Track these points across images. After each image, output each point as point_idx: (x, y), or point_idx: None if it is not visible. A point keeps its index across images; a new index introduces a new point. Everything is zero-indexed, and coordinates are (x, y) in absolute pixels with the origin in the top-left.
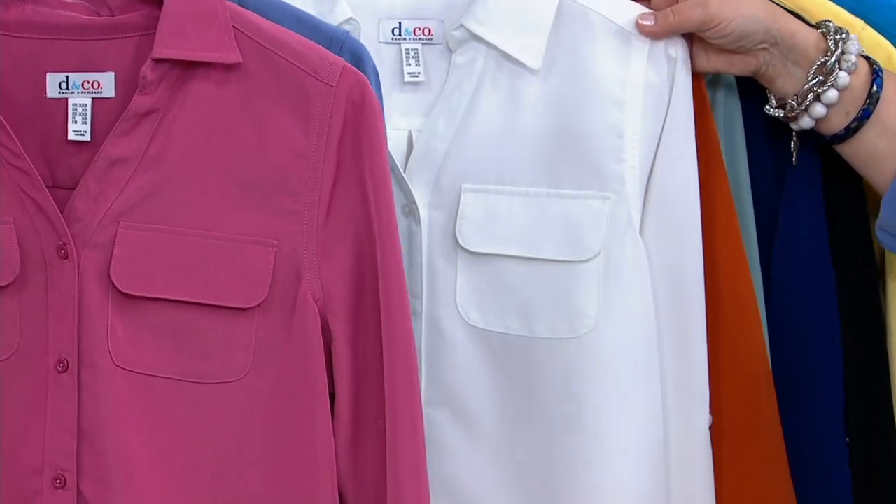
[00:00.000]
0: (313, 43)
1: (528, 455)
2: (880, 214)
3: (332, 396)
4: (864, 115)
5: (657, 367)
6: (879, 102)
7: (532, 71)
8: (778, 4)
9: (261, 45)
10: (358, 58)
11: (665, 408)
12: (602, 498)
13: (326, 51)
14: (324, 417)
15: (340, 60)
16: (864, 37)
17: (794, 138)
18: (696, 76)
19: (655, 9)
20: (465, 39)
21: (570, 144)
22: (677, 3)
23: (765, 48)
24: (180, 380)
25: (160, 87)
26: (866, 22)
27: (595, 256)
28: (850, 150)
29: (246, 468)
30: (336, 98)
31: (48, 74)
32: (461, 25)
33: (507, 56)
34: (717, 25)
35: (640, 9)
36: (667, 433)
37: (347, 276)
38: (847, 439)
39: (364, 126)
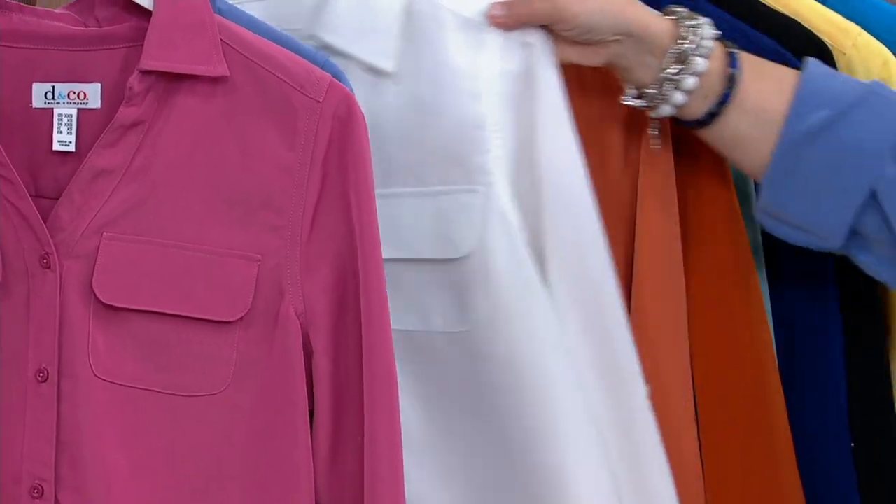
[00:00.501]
0: (300, 58)
1: (465, 459)
2: (760, 197)
3: (311, 412)
4: (724, 99)
5: (564, 352)
6: (737, 85)
7: (387, 74)
8: (771, 8)
9: (248, 58)
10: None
11: (594, 391)
12: (542, 485)
13: (313, 66)
14: (304, 432)
15: (327, 76)
16: (859, 42)
17: (652, 126)
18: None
19: None
20: (319, 49)
21: (433, 142)
22: None
23: (618, 40)
24: (161, 392)
25: (147, 98)
26: (862, 27)
27: (472, 252)
28: (714, 136)
29: (226, 482)
30: (322, 113)
31: (34, 84)
32: (312, 35)
33: (360, 62)
34: (564, 18)
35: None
36: (603, 415)
37: (330, 291)
38: (852, 444)
39: (349, 142)
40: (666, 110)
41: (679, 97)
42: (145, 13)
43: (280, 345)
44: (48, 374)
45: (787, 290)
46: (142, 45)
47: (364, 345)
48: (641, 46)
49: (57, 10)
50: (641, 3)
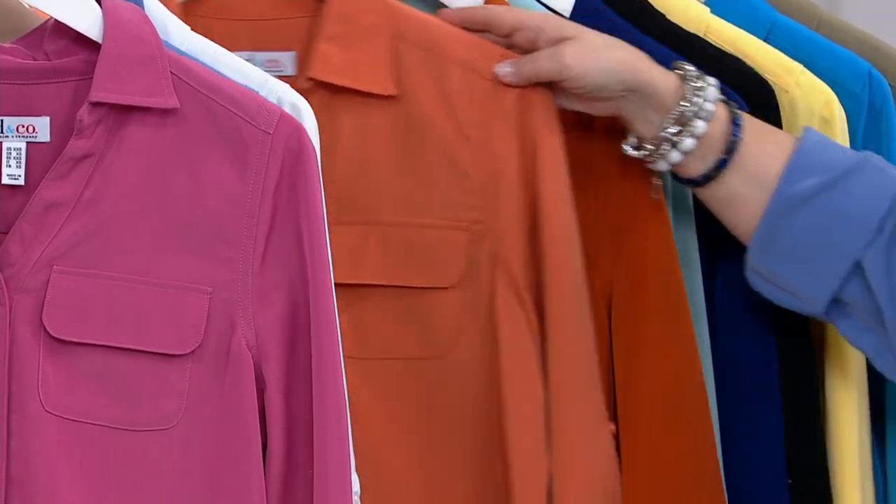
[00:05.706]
0: (251, 90)
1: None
2: (749, 257)
3: (263, 446)
4: (721, 164)
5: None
6: (738, 148)
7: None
8: (716, 47)
9: (198, 90)
10: (298, 110)
11: None
12: None
13: (263, 98)
14: (257, 465)
15: (278, 108)
16: (802, 81)
17: (654, 178)
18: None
19: (516, 46)
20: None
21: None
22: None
23: (623, 95)
24: (112, 427)
25: (97, 130)
26: (805, 66)
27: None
28: (708, 194)
29: None
30: (273, 145)
31: None
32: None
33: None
34: (571, 77)
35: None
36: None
37: (282, 323)
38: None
39: (300, 174)
40: (662, 166)
41: (676, 156)
42: (94, 46)
43: (232, 378)
44: None
45: (729, 366)
46: (91, 78)
47: (314, 377)
48: (646, 102)
49: (5, 45)
50: (650, 60)
